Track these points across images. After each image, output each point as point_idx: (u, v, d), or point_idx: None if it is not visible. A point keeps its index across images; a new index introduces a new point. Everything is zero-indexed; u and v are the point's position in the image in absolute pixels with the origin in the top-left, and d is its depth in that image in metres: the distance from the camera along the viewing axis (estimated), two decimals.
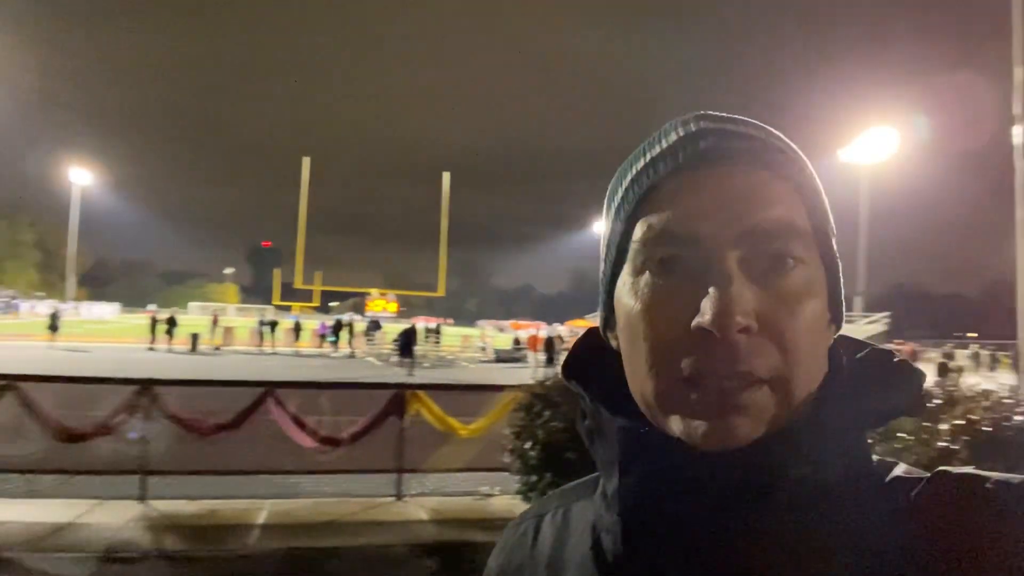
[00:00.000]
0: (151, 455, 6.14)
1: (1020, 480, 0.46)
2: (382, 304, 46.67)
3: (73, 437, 6.00)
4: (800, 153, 0.54)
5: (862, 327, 51.34)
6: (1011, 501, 0.44)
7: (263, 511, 5.90)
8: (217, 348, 29.74)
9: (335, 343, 30.36)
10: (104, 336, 35.97)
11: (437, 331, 33.27)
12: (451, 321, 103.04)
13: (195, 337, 28.18)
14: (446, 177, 51.87)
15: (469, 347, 32.96)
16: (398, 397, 6.53)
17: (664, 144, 0.53)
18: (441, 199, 51.88)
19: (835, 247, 0.54)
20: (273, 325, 31.04)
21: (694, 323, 0.46)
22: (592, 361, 0.61)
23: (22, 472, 6.08)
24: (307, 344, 31.55)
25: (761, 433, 0.47)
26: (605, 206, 0.59)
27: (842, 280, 0.55)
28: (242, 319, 53.18)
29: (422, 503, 6.42)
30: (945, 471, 0.48)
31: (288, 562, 4.98)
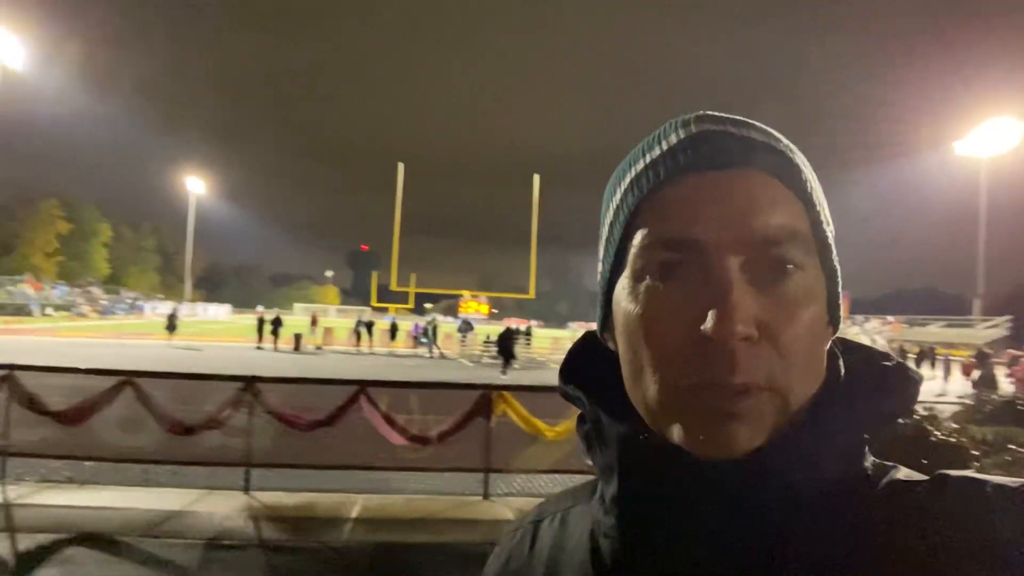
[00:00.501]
0: (254, 448, 6.49)
1: (1018, 485, 0.46)
2: (474, 306, 47.29)
3: (184, 430, 6.40)
4: (800, 155, 0.53)
5: (981, 332, 47.98)
6: (1009, 505, 0.44)
7: (356, 505, 6.10)
8: (318, 348, 30.95)
9: (427, 344, 31.00)
10: (216, 335, 38.23)
11: (528, 333, 33.41)
12: (540, 323, 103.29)
13: (298, 337, 29.41)
14: (536, 179, 51.99)
15: (560, 349, 32.93)
16: (485, 398, 6.60)
17: (664, 146, 0.52)
18: (532, 201, 51.99)
19: (834, 250, 0.53)
20: (370, 326, 32.00)
21: (695, 331, 0.46)
22: (590, 364, 0.60)
23: (139, 462, 6.54)
24: (402, 344, 32.37)
25: (762, 440, 0.46)
26: (603, 206, 0.58)
27: (840, 283, 0.54)
28: (342, 320, 55.20)
29: (509, 503, 6.47)
30: (944, 474, 0.48)
31: (379, 555, 5.13)
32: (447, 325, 38.73)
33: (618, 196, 0.55)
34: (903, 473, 0.51)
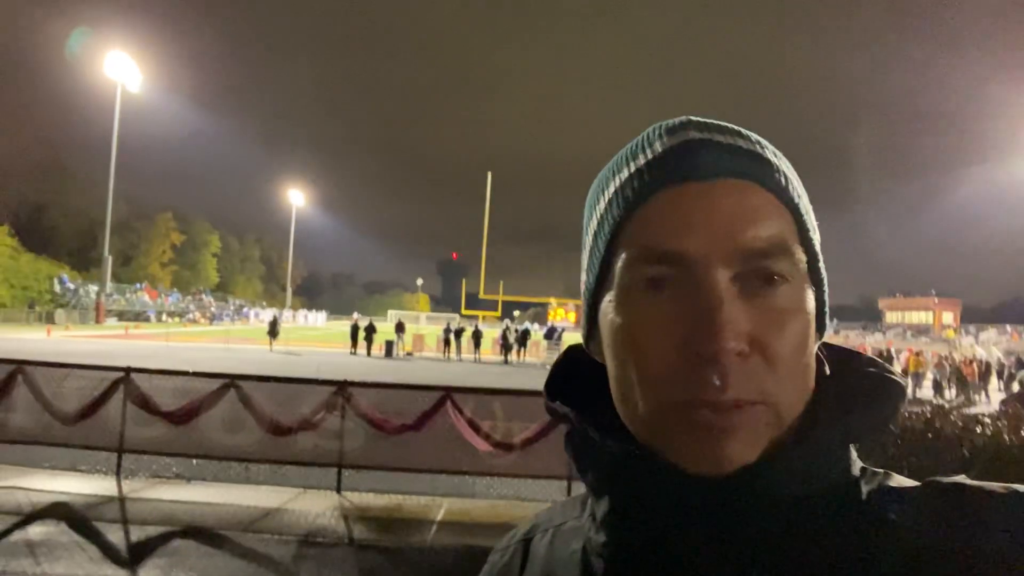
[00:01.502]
0: (346, 450, 6.72)
1: (1008, 491, 0.45)
2: (562, 313, 47.24)
3: (281, 431, 6.71)
4: (787, 163, 0.52)
5: None
6: (999, 512, 0.44)
7: (442, 508, 6.23)
8: (408, 354, 31.72)
9: (509, 351, 31.13)
10: (314, 341, 39.87)
11: None
12: None
13: (389, 344, 30.23)
14: None
15: None
16: None
17: (649, 154, 0.50)
18: None
19: (821, 258, 0.52)
20: (458, 333, 32.51)
21: (686, 347, 0.45)
22: (576, 378, 0.59)
23: (241, 460, 6.90)
24: (488, 352, 32.72)
25: (755, 455, 0.46)
26: (586, 213, 0.57)
27: (827, 290, 0.53)
28: (432, 327, 56.30)
29: None
30: (935, 481, 0.48)
31: (463, 558, 5.20)
32: (536, 333, 38.79)
33: (602, 205, 0.53)
34: (894, 480, 0.50)
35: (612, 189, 0.52)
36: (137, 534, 5.24)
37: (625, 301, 0.49)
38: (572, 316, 47.06)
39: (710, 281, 0.46)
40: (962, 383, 22.01)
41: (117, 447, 6.81)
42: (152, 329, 46.29)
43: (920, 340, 62.64)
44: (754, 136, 0.52)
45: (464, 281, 64.05)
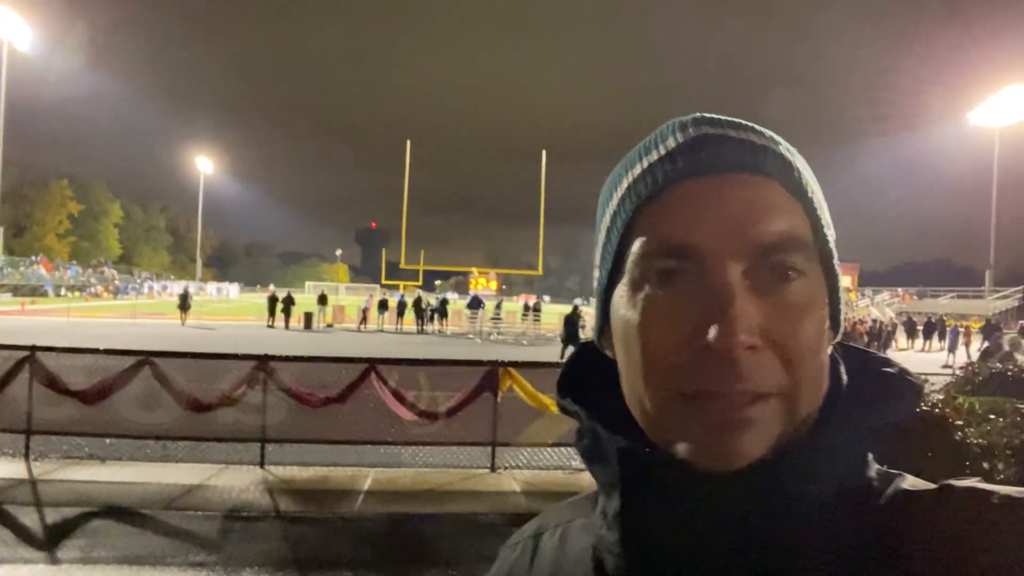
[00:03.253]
0: (269, 424, 6.69)
1: (1023, 495, 0.45)
2: (484, 282, 47.45)
3: (201, 407, 6.60)
4: (800, 157, 0.52)
5: (992, 303, 47.72)
6: (1015, 517, 0.44)
7: (369, 478, 6.31)
8: (329, 326, 31.20)
9: (424, 320, 31.06)
10: (227, 314, 38.63)
11: (537, 309, 33.49)
12: (549, 299, 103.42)
13: (308, 316, 29.62)
14: (544, 155, 51.75)
15: None
16: (491, 374, 6.76)
17: (662, 149, 0.51)
18: (539, 177, 51.85)
19: (835, 254, 0.52)
20: (382, 304, 32.21)
21: (696, 340, 0.45)
22: (589, 375, 0.59)
23: (158, 438, 6.75)
24: (410, 322, 32.61)
25: (766, 450, 0.46)
26: (599, 209, 0.57)
27: (841, 286, 0.54)
28: (352, 298, 55.47)
29: (515, 475, 6.67)
30: (950, 485, 0.48)
31: (391, 526, 5.33)
32: (458, 303, 38.85)
33: (615, 201, 0.53)
34: (908, 482, 0.50)
35: (625, 184, 0.53)
36: (52, 516, 5.10)
37: (636, 295, 0.50)
38: (493, 285, 47.39)
39: (722, 275, 0.46)
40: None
41: (25, 428, 6.54)
42: (51, 304, 43.68)
43: None
44: (768, 132, 0.52)
45: (384, 251, 63.19)
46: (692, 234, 0.47)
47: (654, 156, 0.51)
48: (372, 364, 6.76)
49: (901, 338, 30.87)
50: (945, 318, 33.43)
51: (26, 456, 6.48)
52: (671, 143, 0.51)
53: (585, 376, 0.60)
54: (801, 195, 0.50)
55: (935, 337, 30.21)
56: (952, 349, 24.82)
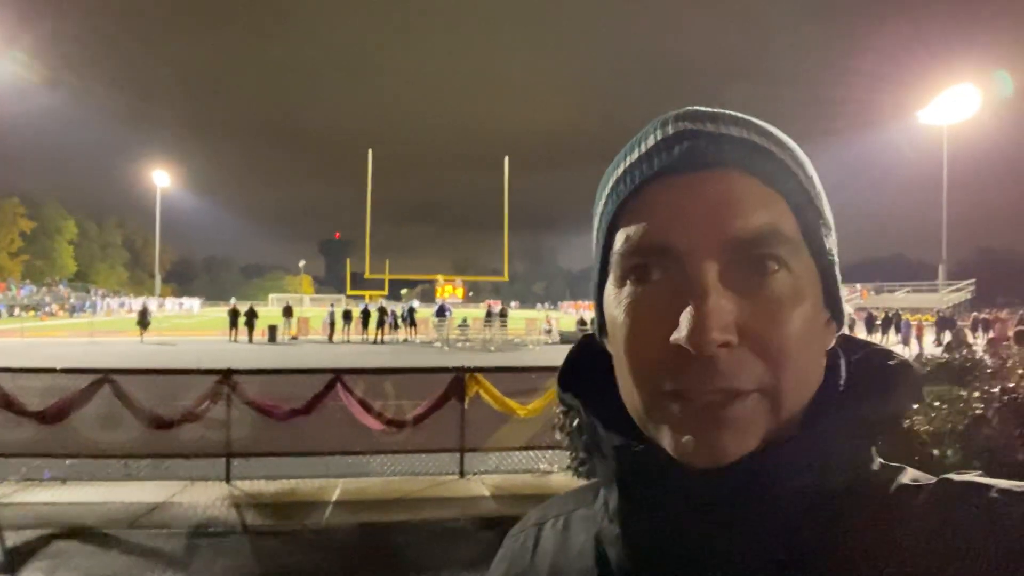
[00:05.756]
0: (234, 439, 6.62)
1: (1022, 488, 0.45)
2: (450, 290, 47.33)
3: (163, 424, 6.51)
4: (789, 147, 0.52)
5: (945, 296, 49.20)
6: (1013, 510, 0.43)
7: (337, 489, 6.29)
8: (293, 338, 30.85)
9: (382, 329, 31.03)
10: (189, 330, 37.92)
11: (503, 315, 33.53)
12: (516, 304, 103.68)
13: (272, 328, 29.24)
14: (506, 161, 51.92)
15: (535, 329, 33.22)
16: (458, 380, 6.79)
17: (643, 148, 0.51)
18: (503, 184, 52.00)
19: (829, 245, 0.52)
20: (346, 315, 31.96)
21: (672, 339, 0.45)
22: (589, 370, 0.60)
23: (120, 457, 6.64)
24: (376, 332, 32.38)
25: (753, 446, 0.46)
26: (593, 210, 0.57)
27: (839, 278, 0.53)
28: (317, 309, 54.91)
29: (484, 480, 6.69)
30: (948, 479, 0.48)
31: (361, 535, 5.32)
32: (424, 311, 38.77)
33: (602, 200, 0.54)
34: (909, 476, 0.50)
35: (610, 184, 0.54)
36: (13, 539, 4.99)
37: (619, 294, 0.51)
38: (460, 292, 47.28)
39: (696, 273, 0.46)
40: None
41: None
42: (3, 325, 42.36)
43: None
44: (755, 124, 0.51)
45: (348, 261, 62.72)
46: (667, 233, 0.47)
47: (635, 155, 0.52)
48: (338, 374, 6.74)
49: (861, 333, 31.66)
50: (900, 312, 34.35)
51: None
52: (651, 141, 0.51)
53: (586, 369, 0.60)
54: (784, 187, 0.49)
55: (891, 331, 31.04)
56: (906, 342, 25.62)
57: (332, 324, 30.65)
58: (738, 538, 0.46)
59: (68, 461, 6.61)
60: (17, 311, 54.00)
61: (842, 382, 0.52)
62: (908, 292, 56.99)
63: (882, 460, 0.52)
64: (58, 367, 6.84)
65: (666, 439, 0.47)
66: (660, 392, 0.47)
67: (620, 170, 0.52)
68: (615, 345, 0.51)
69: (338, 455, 6.80)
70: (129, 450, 6.59)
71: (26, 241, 77.65)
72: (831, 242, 0.52)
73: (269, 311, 42.77)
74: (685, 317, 0.45)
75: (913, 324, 27.31)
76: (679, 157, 0.49)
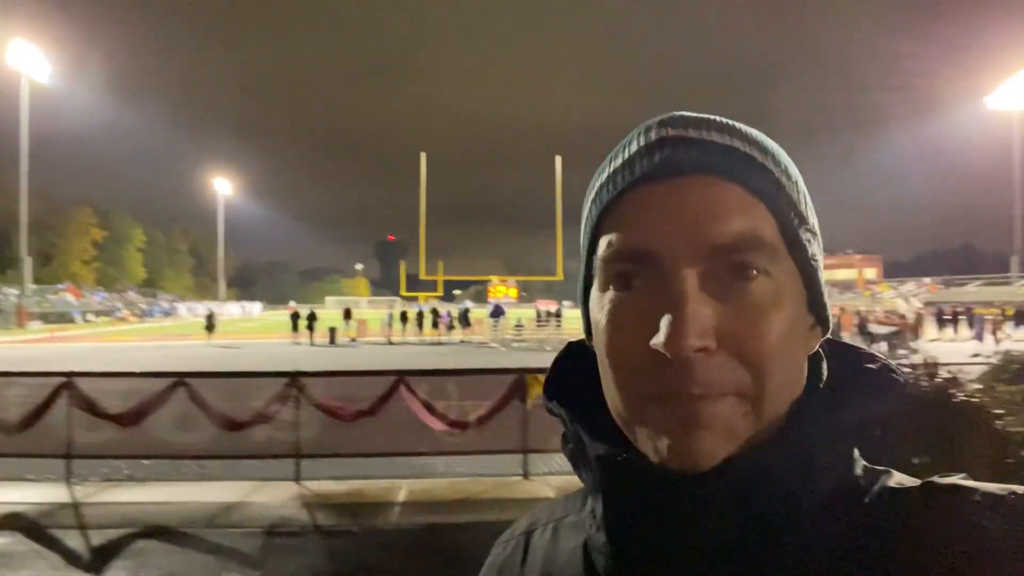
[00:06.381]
0: (303, 440, 6.76)
1: (1006, 492, 0.46)
2: (503, 290, 47.42)
3: (235, 426, 6.69)
4: (772, 153, 0.51)
5: (1019, 289, 46.93)
6: (997, 513, 0.44)
7: (403, 489, 6.35)
8: (353, 340, 31.44)
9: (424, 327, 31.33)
10: (252, 333, 39.02)
11: (558, 315, 33.44)
12: (571, 304, 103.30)
13: (333, 331, 29.88)
14: (558, 160, 51.74)
15: None
16: (519, 381, 6.77)
17: (626, 153, 0.52)
18: (555, 182, 51.84)
19: (812, 251, 0.52)
20: (403, 316, 32.42)
21: (651, 343, 0.45)
22: (575, 376, 0.59)
23: (194, 458, 6.85)
24: (432, 332, 32.74)
25: (732, 450, 0.46)
26: (581, 214, 0.57)
27: (823, 283, 0.53)
28: (373, 311, 55.83)
29: (548, 481, 6.66)
30: (932, 482, 0.48)
31: (426, 536, 5.35)
32: (479, 312, 39.02)
33: (587, 205, 0.55)
34: (894, 480, 0.50)
35: (595, 190, 0.54)
36: (97, 538, 5.19)
37: (603, 298, 0.51)
38: (513, 292, 47.33)
39: (676, 279, 0.46)
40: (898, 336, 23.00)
41: (65, 453, 6.66)
42: (79, 330, 44.38)
43: (844, 297, 65.51)
44: (738, 129, 0.51)
45: (403, 263, 63.52)
46: (648, 239, 0.48)
47: (619, 160, 0.52)
48: (401, 376, 6.81)
49: (932, 330, 30.46)
50: (972, 307, 32.96)
51: (67, 480, 6.59)
52: (634, 146, 0.51)
53: (573, 375, 0.60)
54: (764, 193, 0.49)
55: (963, 326, 29.81)
56: (980, 337, 24.51)
57: (391, 325, 31.14)
58: (721, 546, 0.47)
59: (146, 462, 6.86)
60: (91, 317, 56.50)
61: (824, 387, 0.52)
62: (980, 285, 54.55)
63: (866, 463, 0.52)
64: (135, 371, 7.10)
65: (646, 443, 0.48)
66: (640, 396, 0.48)
67: (604, 176, 0.53)
68: (599, 349, 0.51)
69: (403, 456, 6.87)
70: (203, 451, 6.79)
71: (98, 249, 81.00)
72: (815, 247, 0.52)
73: (327, 313, 43.69)
74: (664, 322, 0.45)
75: (987, 319, 26.08)
76: (659, 163, 0.49)
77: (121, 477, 6.75)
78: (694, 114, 0.52)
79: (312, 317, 29.74)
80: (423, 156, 50.55)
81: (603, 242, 0.51)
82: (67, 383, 6.71)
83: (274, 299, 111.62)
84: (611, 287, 0.50)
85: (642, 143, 0.51)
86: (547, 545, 0.62)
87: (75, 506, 5.98)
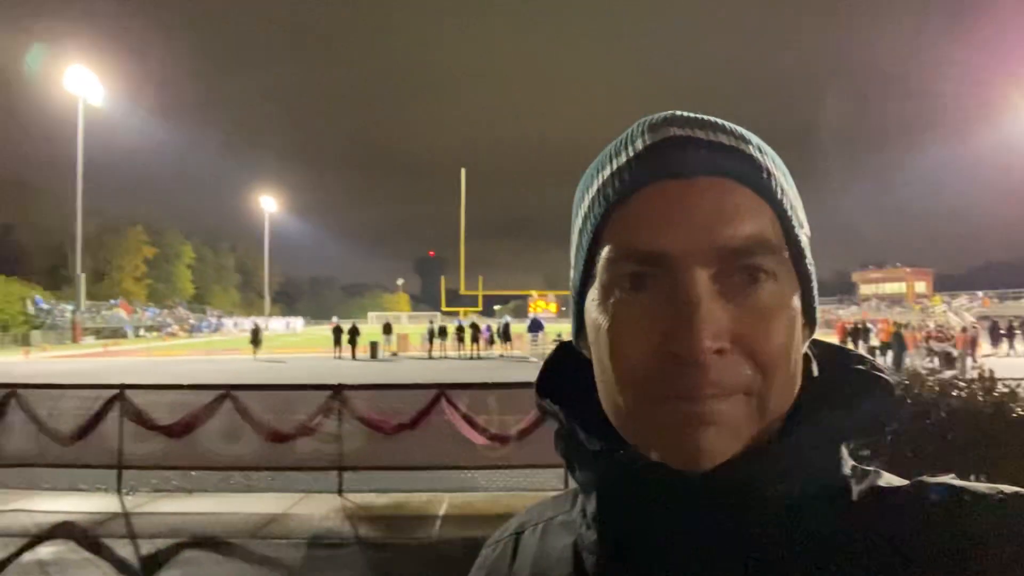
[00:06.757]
0: (345, 452, 6.82)
1: (993, 491, 0.46)
2: (543, 305, 47.34)
3: (279, 438, 6.79)
4: (772, 158, 0.52)
5: None
6: (984, 513, 0.45)
7: (444, 503, 6.35)
8: (394, 354, 31.74)
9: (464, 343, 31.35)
10: (296, 347, 39.69)
11: None
12: None
13: (374, 345, 30.24)
14: None
15: None
16: None
17: (631, 151, 0.51)
18: None
19: (807, 253, 0.52)
20: (442, 331, 32.61)
21: (666, 347, 0.45)
22: (567, 376, 0.59)
23: (240, 469, 6.98)
24: (473, 347, 32.79)
25: (737, 451, 0.46)
26: (573, 211, 0.57)
27: (815, 285, 0.54)
28: (414, 326, 56.31)
29: None
30: (922, 482, 0.49)
31: (469, 549, 5.30)
32: (518, 326, 39.04)
33: (586, 203, 0.53)
34: (883, 480, 0.51)
35: (596, 187, 0.52)
36: (146, 547, 5.30)
37: (606, 300, 0.50)
38: (553, 307, 47.24)
39: (688, 280, 0.46)
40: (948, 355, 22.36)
41: (116, 464, 6.84)
42: (131, 345, 45.74)
43: (894, 310, 63.77)
44: (739, 131, 0.51)
45: (443, 278, 64.04)
46: (659, 240, 0.47)
47: (623, 158, 0.51)
48: (442, 389, 6.83)
49: (985, 345, 29.43)
50: None
51: (118, 490, 6.76)
52: (639, 145, 0.50)
53: (564, 376, 0.60)
54: (770, 196, 0.49)
55: (1020, 340, 28.76)
56: None
57: (431, 340, 31.34)
58: (714, 545, 0.47)
59: (193, 473, 7.00)
60: (142, 332, 58.17)
61: (819, 389, 0.52)
62: None
63: (854, 463, 0.52)
64: (183, 383, 7.26)
65: (653, 444, 0.48)
66: (649, 398, 0.47)
67: (607, 173, 0.51)
68: (598, 350, 0.51)
69: (444, 470, 6.87)
70: (248, 462, 6.91)
71: (149, 266, 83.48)
72: (808, 250, 0.53)
73: (369, 328, 44.21)
74: (678, 324, 0.45)
75: None
76: (671, 163, 0.48)
77: (170, 488, 6.90)
78: (693, 114, 0.52)
79: (354, 332, 30.10)
80: (463, 172, 51.02)
81: (609, 241, 0.50)
82: (119, 395, 6.90)
83: (317, 314, 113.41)
84: (618, 288, 0.49)
85: (648, 141, 0.50)
86: (536, 545, 0.61)
87: (126, 516, 6.12)
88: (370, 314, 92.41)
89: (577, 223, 0.55)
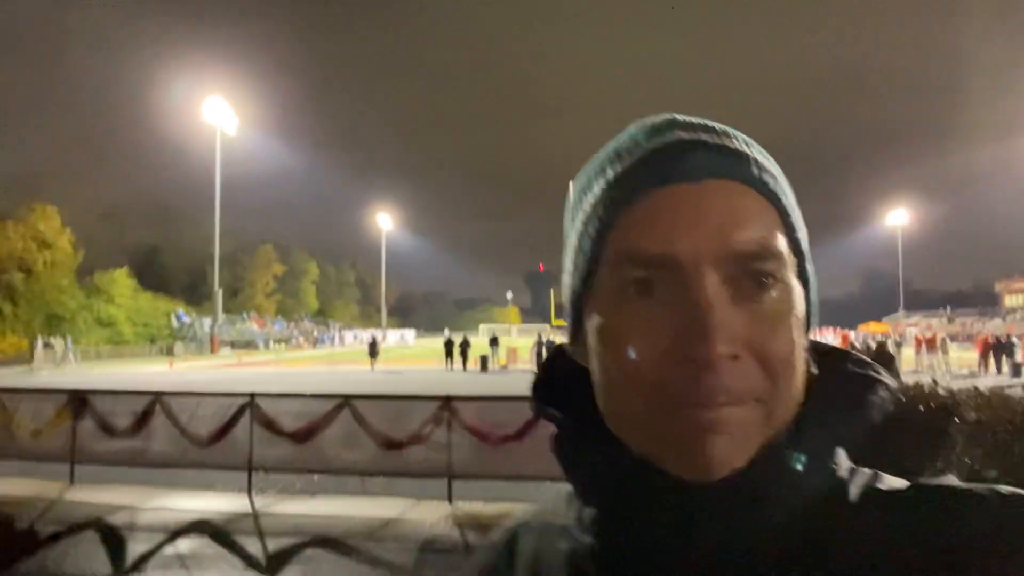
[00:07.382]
0: (454, 461, 7.02)
1: (990, 492, 0.45)
2: None
3: (393, 445, 7.07)
4: (773, 162, 0.52)
5: None
6: (980, 513, 0.44)
7: None
8: (503, 367, 32.12)
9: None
10: (410, 359, 40.96)
11: None
12: None
13: (484, 358, 30.74)
14: None
15: None
16: None
17: (636, 154, 0.50)
18: None
19: (808, 258, 0.52)
20: (550, 345, 32.69)
21: (679, 353, 0.45)
22: (565, 381, 0.58)
23: (357, 474, 7.30)
24: None
25: (746, 458, 0.45)
26: (570, 213, 0.56)
27: (816, 289, 0.53)
28: (523, 339, 56.76)
29: None
30: (921, 483, 0.48)
31: None
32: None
33: (586, 206, 0.52)
34: (882, 482, 0.50)
35: (597, 189, 0.51)
36: (273, 545, 5.68)
37: (612, 305, 0.49)
38: None
39: (700, 284, 0.45)
40: None
41: (247, 466, 7.35)
42: (261, 356, 48.81)
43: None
44: (741, 135, 0.51)
45: (553, 291, 64.18)
46: (669, 244, 0.46)
47: (627, 161, 0.50)
48: None
49: None
50: None
51: (248, 491, 7.26)
52: (645, 147, 0.50)
53: (561, 382, 0.58)
54: (775, 200, 0.49)
55: None
56: None
57: (539, 354, 31.50)
58: (715, 551, 0.46)
59: (315, 476, 7.42)
60: (271, 343, 61.95)
61: (819, 392, 0.51)
62: None
63: (852, 465, 0.52)
64: (307, 392, 7.71)
65: (662, 452, 0.47)
66: (659, 404, 0.46)
67: (611, 175, 0.50)
68: (601, 356, 0.50)
69: (551, 480, 6.90)
70: (364, 468, 7.23)
71: (278, 283, 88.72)
72: (808, 255, 0.52)
73: (480, 341, 45.06)
74: (691, 328, 0.44)
75: None
76: (680, 167, 0.48)
77: (294, 490, 7.34)
78: (693, 118, 0.52)
79: (465, 344, 30.69)
80: (571, 185, 51.03)
81: (614, 244, 0.49)
82: (249, 403, 7.42)
83: (432, 327, 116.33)
84: (626, 293, 0.48)
85: (655, 145, 0.50)
86: (533, 548, 0.61)
87: (255, 515, 6.57)
88: (481, 326, 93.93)
89: (576, 226, 0.53)
